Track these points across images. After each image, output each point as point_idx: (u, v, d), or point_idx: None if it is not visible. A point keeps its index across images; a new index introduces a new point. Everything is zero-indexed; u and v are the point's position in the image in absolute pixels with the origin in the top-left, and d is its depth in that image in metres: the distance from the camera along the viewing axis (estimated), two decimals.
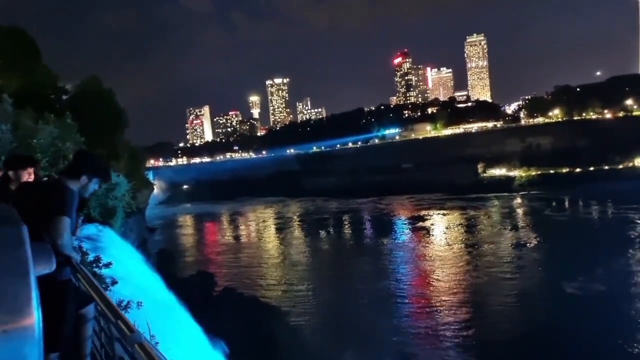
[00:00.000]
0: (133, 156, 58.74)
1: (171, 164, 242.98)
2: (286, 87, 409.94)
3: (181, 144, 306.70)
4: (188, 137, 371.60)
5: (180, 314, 17.08)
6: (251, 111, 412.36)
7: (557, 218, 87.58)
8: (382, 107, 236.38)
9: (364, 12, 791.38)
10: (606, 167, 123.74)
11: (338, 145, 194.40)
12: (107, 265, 12.88)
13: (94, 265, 12.53)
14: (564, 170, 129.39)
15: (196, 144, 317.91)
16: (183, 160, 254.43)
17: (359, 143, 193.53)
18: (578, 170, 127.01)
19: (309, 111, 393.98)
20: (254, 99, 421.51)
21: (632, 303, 41.36)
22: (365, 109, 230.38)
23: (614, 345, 33.04)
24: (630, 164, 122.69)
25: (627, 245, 60.47)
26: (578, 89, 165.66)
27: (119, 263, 14.34)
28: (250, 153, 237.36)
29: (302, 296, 50.78)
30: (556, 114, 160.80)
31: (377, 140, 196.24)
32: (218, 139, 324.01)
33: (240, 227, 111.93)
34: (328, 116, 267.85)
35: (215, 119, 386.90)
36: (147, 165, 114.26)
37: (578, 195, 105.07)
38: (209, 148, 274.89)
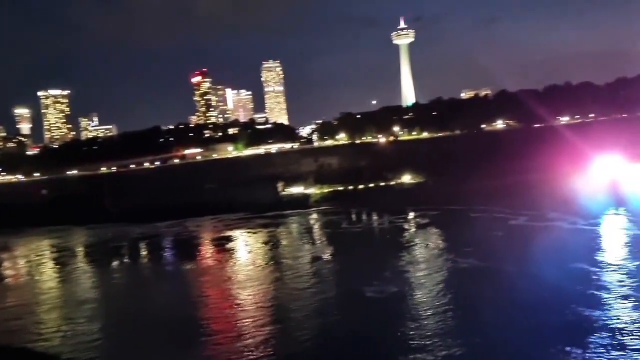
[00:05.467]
0: None
1: None
2: (67, 100, 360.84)
3: None
4: None
5: None
6: (18, 126, 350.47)
7: (348, 230, 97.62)
8: (182, 126, 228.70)
9: (159, 28, 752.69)
10: (382, 184, 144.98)
11: (132, 166, 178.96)
12: None
13: None
14: (350, 187, 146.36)
15: None
16: None
17: (158, 163, 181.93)
18: (361, 186, 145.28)
19: (96, 128, 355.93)
20: (23, 111, 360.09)
21: (415, 299, 48.26)
22: (163, 128, 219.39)
23: (405, 342, 37.54)
24: (399, 180, 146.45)
25: (403, 249, 71.11)
26: (358, 116, 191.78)
27: None
28: (18, 175, 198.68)
29: (88, 338, 44.88)
30: (342, 137, 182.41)
31: (177, 160, 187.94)
32: None
33: (5, 265, 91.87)
34: (120, 133, 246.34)
35: None
36: None
37: (362, 209, 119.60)
38: None
